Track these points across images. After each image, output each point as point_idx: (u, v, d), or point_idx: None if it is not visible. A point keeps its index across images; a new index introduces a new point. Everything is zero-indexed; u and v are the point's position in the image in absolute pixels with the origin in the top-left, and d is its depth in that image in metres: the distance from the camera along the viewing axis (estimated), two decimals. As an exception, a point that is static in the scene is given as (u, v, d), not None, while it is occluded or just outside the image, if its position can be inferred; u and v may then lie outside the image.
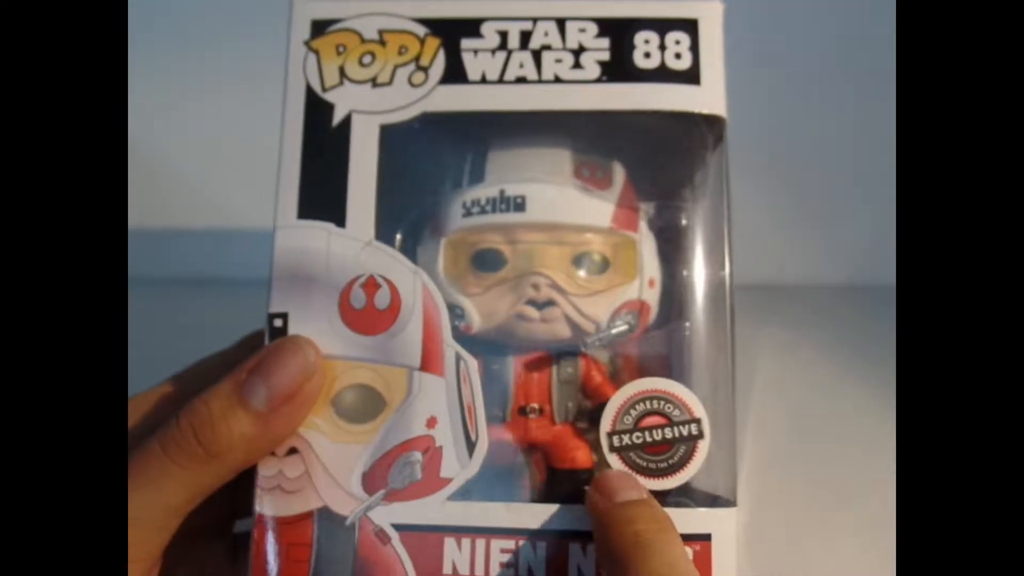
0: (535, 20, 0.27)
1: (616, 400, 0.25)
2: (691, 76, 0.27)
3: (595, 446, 0.28)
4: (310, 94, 0.27)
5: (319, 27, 0.28)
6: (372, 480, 0.25)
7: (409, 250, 0.28)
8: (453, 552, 0.24)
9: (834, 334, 0.40)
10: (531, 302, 0.27)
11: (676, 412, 0.25)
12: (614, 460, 0.25)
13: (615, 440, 0.25)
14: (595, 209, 0.28)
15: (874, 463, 0.35)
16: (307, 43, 0.28)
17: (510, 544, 0.24)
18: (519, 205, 0.27)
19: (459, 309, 0.28)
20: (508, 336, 0.28)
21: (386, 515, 0.24)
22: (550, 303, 0.27)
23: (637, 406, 0.25)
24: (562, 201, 0.28)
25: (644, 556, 0.21)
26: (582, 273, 0.28)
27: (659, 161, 0.29)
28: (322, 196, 0.26)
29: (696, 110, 0.26)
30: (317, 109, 0.27)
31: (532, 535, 0.24)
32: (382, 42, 0.27)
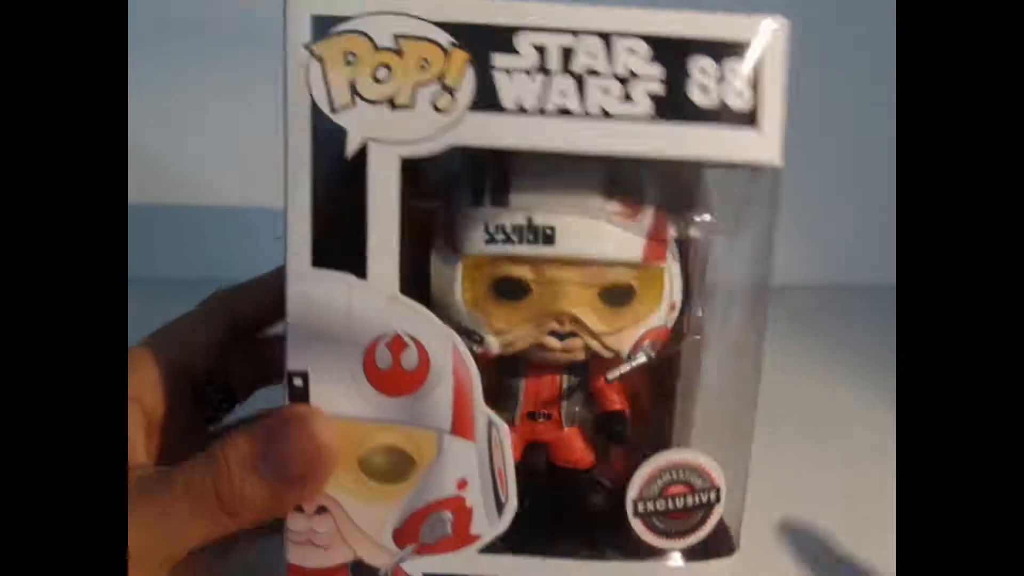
0: (576, 33, 0.23)
1: (644, 470, 0.26)
2: (749, 117, 0.24)
3: (598, 449, 0.29)
4: (316, 114, 0.23)
5: (322, 25, 0.23)
6: (403, 535, 0.25)
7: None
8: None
9: (834, 334, 0.41)
10: (553, 333, 0.27)
11: (699, 481, 0.26)
12: (636, 524, 0.26)
13: (640, 506, 0.26)
14: (627, 243, 0.26)
15: (874, 463, 0.36)
16: (308, 47, 0.23)
17: None
18: (548, 237, 0.26)
19: (477, 335, 0.27)
20: (524, 356, 0.27)
21: (418, 566, 0.25)
22: (573, 335, 0.27)
23: (664, 476, 0.26)
24: (593, 234, 0.26)
25: None
26: (608, 306, 0.27)
27: (696, 200, 0.27)
28: (338, 242, 0.24)
29: (752, 159, 0.24)
30: (326, 134, 0.23)
31: None
32: (399, 51, 0.23)
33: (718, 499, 0.26)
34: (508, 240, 0.26)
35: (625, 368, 0.28)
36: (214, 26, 0.47)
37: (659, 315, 0.27)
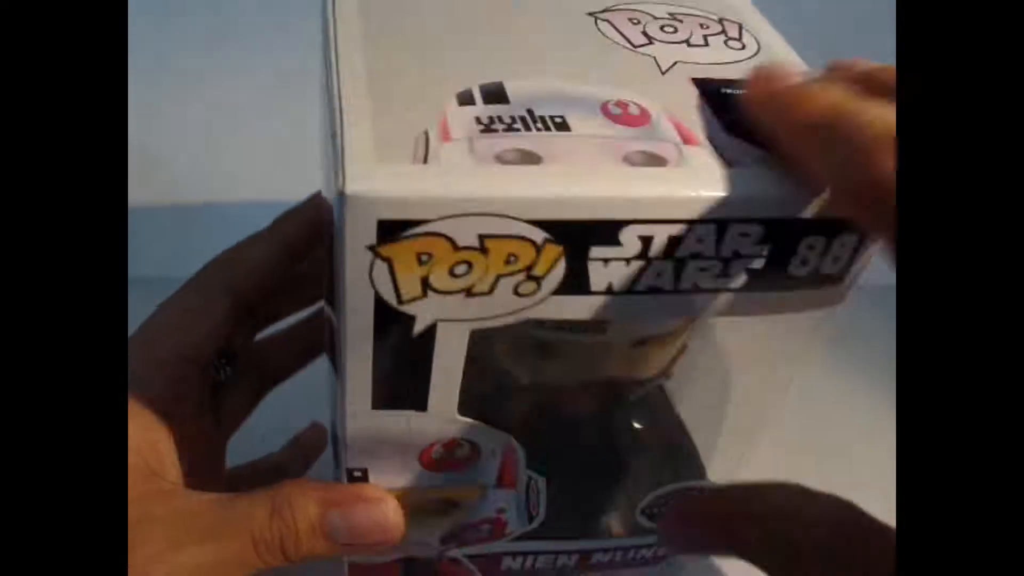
0: (691, 223, 0.20)
1: (658, 491, 0.30)
2: (837, 277, 0.23)
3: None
4: (380, 305, 0.21)
5: (390, 229, 0.19)
6: (448, 540, 0.30)
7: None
8: (509, 562, 0.32)
9: (834, 334, 0.39)
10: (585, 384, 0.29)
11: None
12: (642, 519, 0.31)
13: (647, 510, 0.31)
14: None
15: (874, 463, 0.35)
16: (373, 248, 0.19)
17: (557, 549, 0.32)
18: (600, 328, 0.26)
19: (511, 376, 0.28)
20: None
21: (459, 552, 0.31)
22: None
23: (675, 495, 0.31)
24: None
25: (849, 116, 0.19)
26: (638, 349, 0.28)
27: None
28: (400, 392, 0.23)
29: (817, 310, 0.24)
30: (390, 318, 0.21)
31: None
32: (483, 250, 0.20)
33: None
34: (560, 327, 0.26)
35: (644, 391, 0.30)
36: (216, 26, 0.46)
37: (682, 338, 0.29)
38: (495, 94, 0.21)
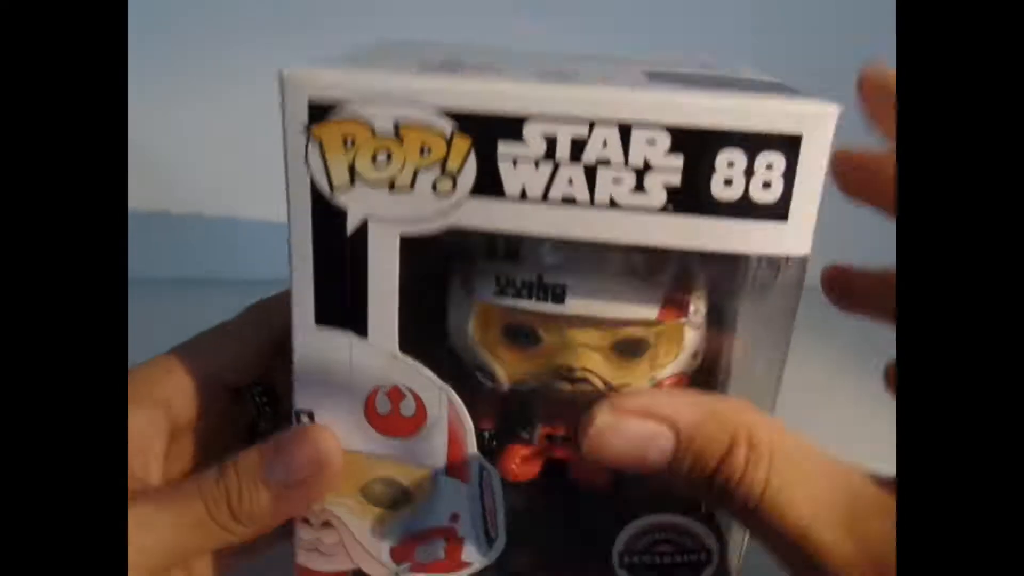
0: (592, 123, 0.21)
1: (632, 527, 0.27)
2: (778, 210, 0.22)
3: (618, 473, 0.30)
4: (316, 195, 0.23)
5: (319, 110, 0.22)
6: (400, 554, 0.28)
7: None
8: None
9: (834, 334, 0.39)
10: (565, 379, 0.27)
11: (689, 543, 0.27)
12: (622, 573, 0.28)
13: (626, 559, 0.27)
14: (641, 303, 0.26)
15: (874, 463, 0.35)
16: (307, 128, 0.22)
17: None
18: (558, 296, 0.25)
19: (488, 372, 0.28)
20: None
21: (415, 585, 0.28)
22: (584, 380, 0.27)
23: (653, 534, 0.27)
24: (605, 294, 0.25)
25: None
26: (621, 358, 0.27)
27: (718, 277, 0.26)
28: (341, 306, 0.24)
29: (776, 252, 0.23)
30: (327, 212, 0.23)
31: None
32: (399, 138, 0.22)
33: (708, 560, 0.27)
34: (518, 294, 0.26)
35: None
36: (216, 26, 0.46)
37: (677, 364, 0.27)
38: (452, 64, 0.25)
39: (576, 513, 0.30)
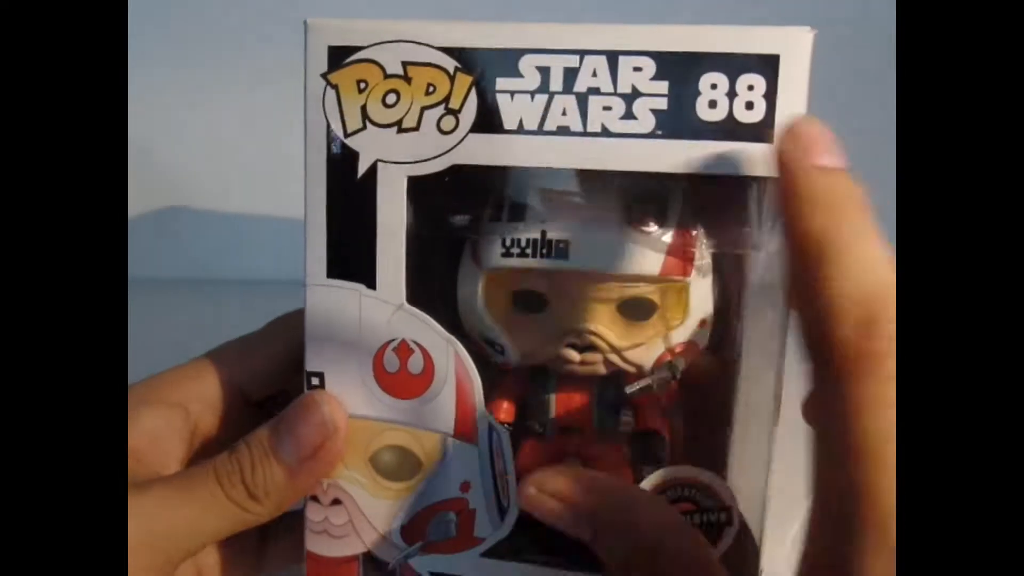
0: (582, 53, 0.23)
1: (649, 483, 0.26)
2: (760, 132, 0.23)
3: (635, 467, 0.29)
4: (332, 138, 0.25)
5: (337, 56, 0.24)
6: (411, 532, 0.26)
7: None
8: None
9: None
10: (572, 345, 0.27)
11: (707, 501, 0.25)
12: None
13: None
14: (644, 256, 0.26)
15: None
16: (325, 75, 0.24)
17: None
18: (561, 251, 0.26)
19: (498, 345, 0.27)
20: (553, 369, 0.28)
21: (425, 564, 0.27)
22: (592, 348, 0.27)
23: (667, 492, 0.25)
24: (608, 248, 0.26)
25: (836, 251, 0.19)
26: (627, 320, 0.26)
27: (715, 204, 0.26)
28: (350, 255, 0.25)
29: (762, 174, 0.23)
30: (341, 156, 0.25)
31: None
32: (407, 77, 0.24)
33: (728, 521, 0.25)
34: (523, 253, 0.26)
35: (646, 382, 0.27)
36: (216, 26, 0.47)
37: (684, 330, 0.27)
38: None
39: None
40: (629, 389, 0.27)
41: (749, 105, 0.23)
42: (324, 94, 0.25)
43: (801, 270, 0.20)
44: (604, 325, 0.26)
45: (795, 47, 0.22)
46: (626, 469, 0.28)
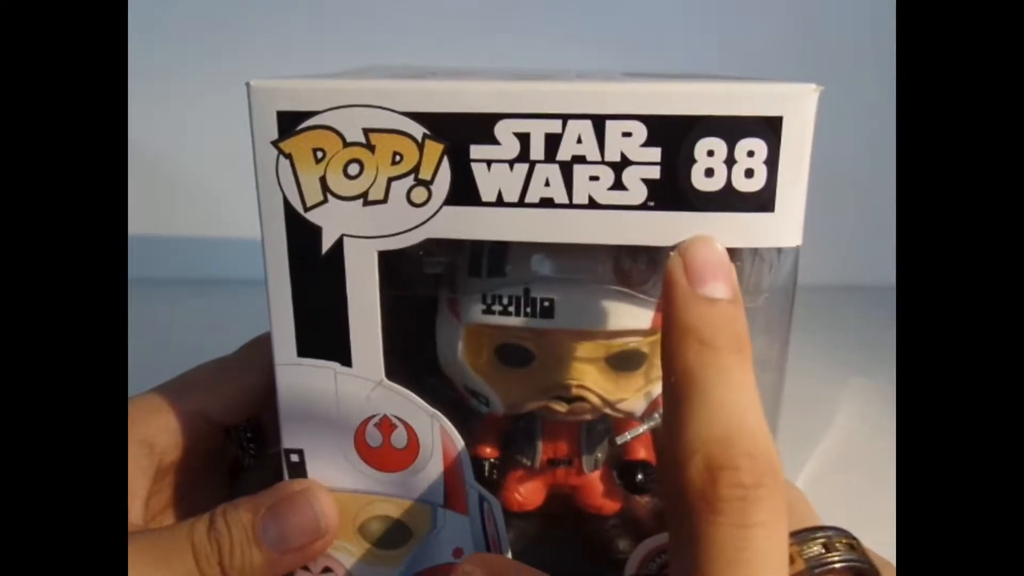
0: (565, 118, 0.21)
1: (640, 551, 0.25)
2: (763, 201, 0.21)
3: (624, 495, 0.29)
4: (289, 211, 0.22)
5: (288, 121, 0.22)
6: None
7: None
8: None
9: (834, 334, 0.38)
10: (559, 398, 0.26)
11: None
12: None
13: None
14: (633, 313, 0.24)
15: (874, 464, 0.36)
16: (276, 144, 0.22)
17: None
18: (547, 310, 0.24)
19: (482, 397, 0.26)
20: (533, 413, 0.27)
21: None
22: (580, 399, 0.26)
23: (662, 556, 0.25)
24: (595, 306, 0.24)
25: (697, 391, 0.18)
26: (617, 371, 0.26)
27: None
28: (322, 334, 0.24)
29: (764, 245, 0.22)
30: (301, 230, 0.22)
31: None
32: (370, 146, 0.22)
33: None
34: (505, 311, 0.25)
35: (638, 431, 0.27)
36: (216, 27, 0.46)
37: None
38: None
39: (586, 538, 0.28)
40: (620, 440, 0.27)
41: (749, 173, 0.21)
42: (277, 163, 0.22)
43: (667, 403, 0.19)
44: (593, 379, 0.25)
45: (799, 107, 0.20)
46: (612, 490, 0.28)
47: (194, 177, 0.48)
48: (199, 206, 0.47)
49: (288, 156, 0.22)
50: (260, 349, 0.28)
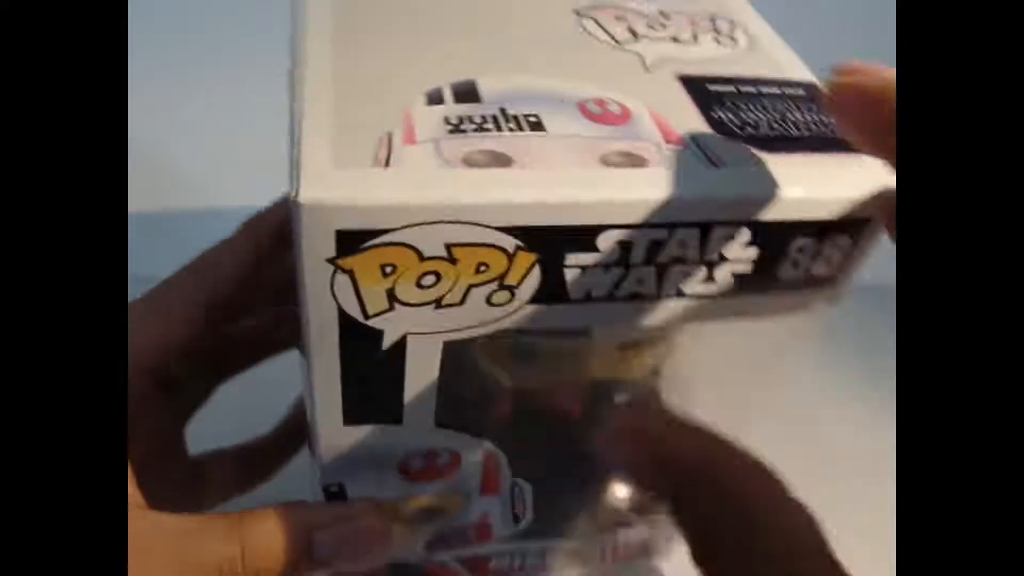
0: (672, 227, 0.19)
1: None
2: (831, 280, 0.22)
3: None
4: (345, 318, 0.19)
5: (350, 240, 0.18)
6: (433, 546, 0.30)
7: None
8: (497, 562, 0.31)
9: (834, 334, 0.38)
10: None
11: None
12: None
13: None
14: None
15: (874, 464, 0.34)
16: (333, 261, 0.18)
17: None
18: None
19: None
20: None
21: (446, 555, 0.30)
22: None
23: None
24: None
25: None
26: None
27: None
28: (372, 407, 0.22)
29: (815, 309, 0.23)
30: (357, 333, 0.20)
31: None
32: (452, 260, 0.19)
33: None
34: None
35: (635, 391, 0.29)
36: (217, 25, 0.48)
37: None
38: (466, 92, 0.20)
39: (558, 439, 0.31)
40: (620, 399, 0.29)
41: (828, 261, 0.21)
42: (333, 279, 0.18)
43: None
44: (603, 365, 0.27)
45: (885, 205, 0.20)
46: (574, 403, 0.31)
47: (195, 176, 0.48)
48: (199, 206, 0.46)
49: (348, 272, 0.18)
50: (185, 280, 0.27)
